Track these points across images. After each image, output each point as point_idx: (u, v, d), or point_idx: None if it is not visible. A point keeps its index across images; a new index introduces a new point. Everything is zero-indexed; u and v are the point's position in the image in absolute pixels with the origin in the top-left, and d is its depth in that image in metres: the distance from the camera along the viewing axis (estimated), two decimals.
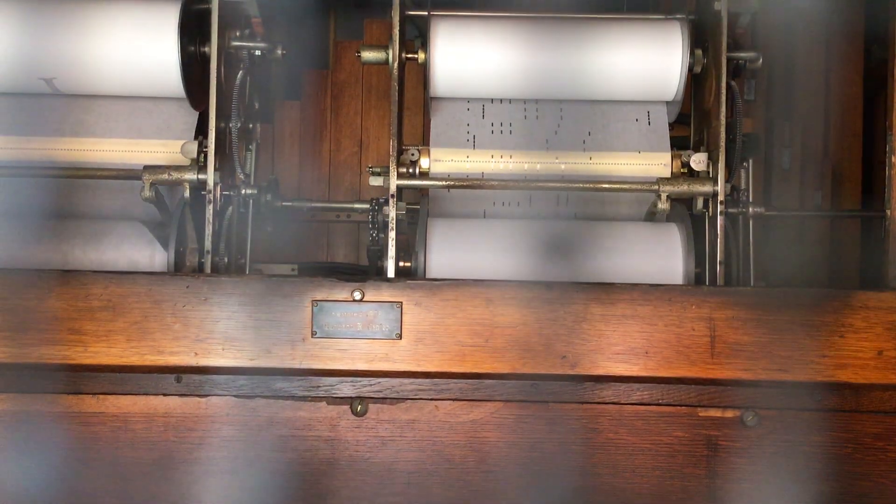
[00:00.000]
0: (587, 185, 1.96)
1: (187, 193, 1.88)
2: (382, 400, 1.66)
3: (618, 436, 1.65)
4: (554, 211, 2.07)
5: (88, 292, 1.57)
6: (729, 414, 1.65)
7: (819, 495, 1.64)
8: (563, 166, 2.03)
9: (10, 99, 2.01)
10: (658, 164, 2.02)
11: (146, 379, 1.63)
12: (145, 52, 1.91)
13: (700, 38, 2.03)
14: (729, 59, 1.91)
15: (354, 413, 1.66)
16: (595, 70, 2.02)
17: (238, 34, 2.03)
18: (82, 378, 1.63)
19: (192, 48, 1.97)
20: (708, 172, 1.94)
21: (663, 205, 1.90)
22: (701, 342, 1.58)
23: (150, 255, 1.91)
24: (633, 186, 1.95)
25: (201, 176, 1.87)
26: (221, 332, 1.58)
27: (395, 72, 1.91)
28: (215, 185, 1.87)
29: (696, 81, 2.08)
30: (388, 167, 1.90)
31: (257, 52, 2.05)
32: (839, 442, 1.65)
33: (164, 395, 1.64)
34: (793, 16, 2.87)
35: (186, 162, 1.91)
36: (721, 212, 1.88)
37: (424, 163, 2.01)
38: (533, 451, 1.65)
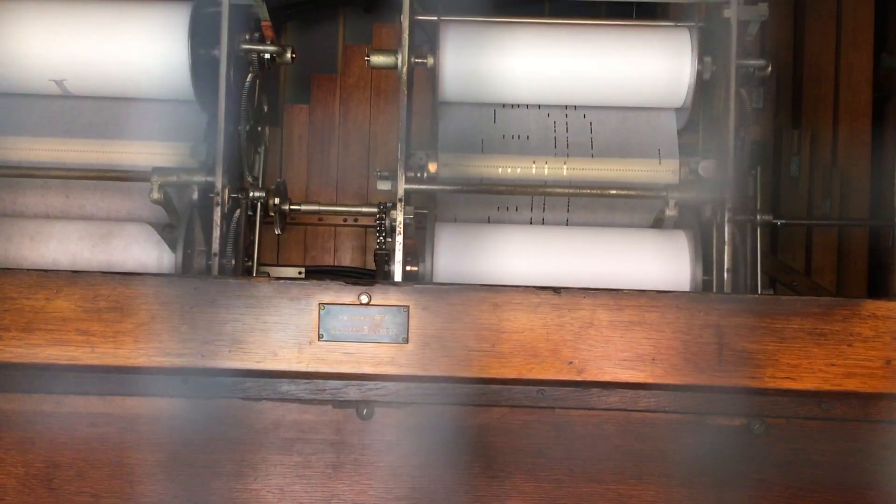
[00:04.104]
0: (595, 191, 1.96)
1: (196, 196, 1.88)
2: (388, 404, 1.65)
3: (624, 442, 1.65)
4: (562, 217, 2.07)
5: (97, 293, 1.57)
6: (736, 422, 1.64)
7: None
8: (570, 171, 2.03)
9: (21, 100, 2.02)
10: (666, 170, 2.02)
11: (153, 380, 1.63)
12: (156, 54, 1.92)
13: (709, 46, 2.03)
14: (738, 67, 1.91)
15: (360, 417, 1.66)
16: (604, 76, 2.02)
17: (248, 37, 2.04)
18: (89, 379, 1.63)
19: (202, 51, 1.97)
20: (716, 179, 1.93)
21: (671, 211, 1.90)
22: (708, 349, 1.58)
23: (157, 256, 1.92)
24: (642, 193, 1.94)
25: (210, 178, 1.87)
26: (228, 334, 1.58)
27: (404, 76, 1.91)
28: (223, 187, 1.88)
29: (705, 89, 2.08)
30: (396, 171, 1.90)
31: (267, 56, 2.05)
32: (846, 451, 1.64)
33: (171, 396, 1.65)
34: (802, 24, 2.87)
35: (195, 164, 1.91)
36: (729, 219, 1.87)
37: (432, 167, 2.01)
38: (539, 457, 1.65)
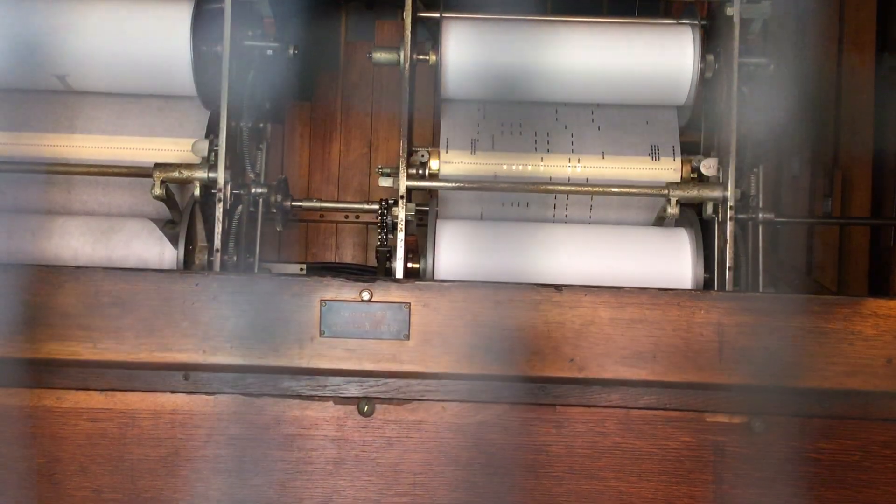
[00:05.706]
0: (597, 189, 1.96)
1: (198, 192, 1.89)
2: (389, 400, 1.66)
3: (624, 440, 1.65)
4: (563, 214, 2.07)
5: (98, 289, 1.57)
6: (737, 420, 1.64)
7: (826, 503, 1.64)
8: (572, 169, 2.03)
9: (23, 95, 2.02)
10: (668, 168, 2.02)
11: (154, 376, 1.64)
12: (158, 50, 1.92)
13: (712, 44, 2.03)
14: (741, 65, 1.91)
15: (361, 413, 1.66)
16: (606, 73, 2.02)
17: (250, 34, 2.04)
18: (91, 374, 1.63)
19: (205, 47, 1.97)
20: (718, 178, 1.94)
21: (673, 209, 1.90)
22: (709, 347, 1.58)
23: (159, 252, 1.92)
24: (643, 190, 1.94)
25: (212, 174, 1.88)
26: (230, 330, 1.58)
27: (406, 73, 1.91)
28: (225, 183, 1.88)
29: (707, 86, 2.08)
30: (398, 168, 1.90)
31: (269, 52, 2.05)
32: (847, 449, 1.64)
33: (172, 392, 1.65)
34: (804, 23, 2.87)
35: (197, 160, 1.91)
36: (731, 217, 1.87)
37: (434, 164, 2.01)
38: (539, 454, 1.65)
